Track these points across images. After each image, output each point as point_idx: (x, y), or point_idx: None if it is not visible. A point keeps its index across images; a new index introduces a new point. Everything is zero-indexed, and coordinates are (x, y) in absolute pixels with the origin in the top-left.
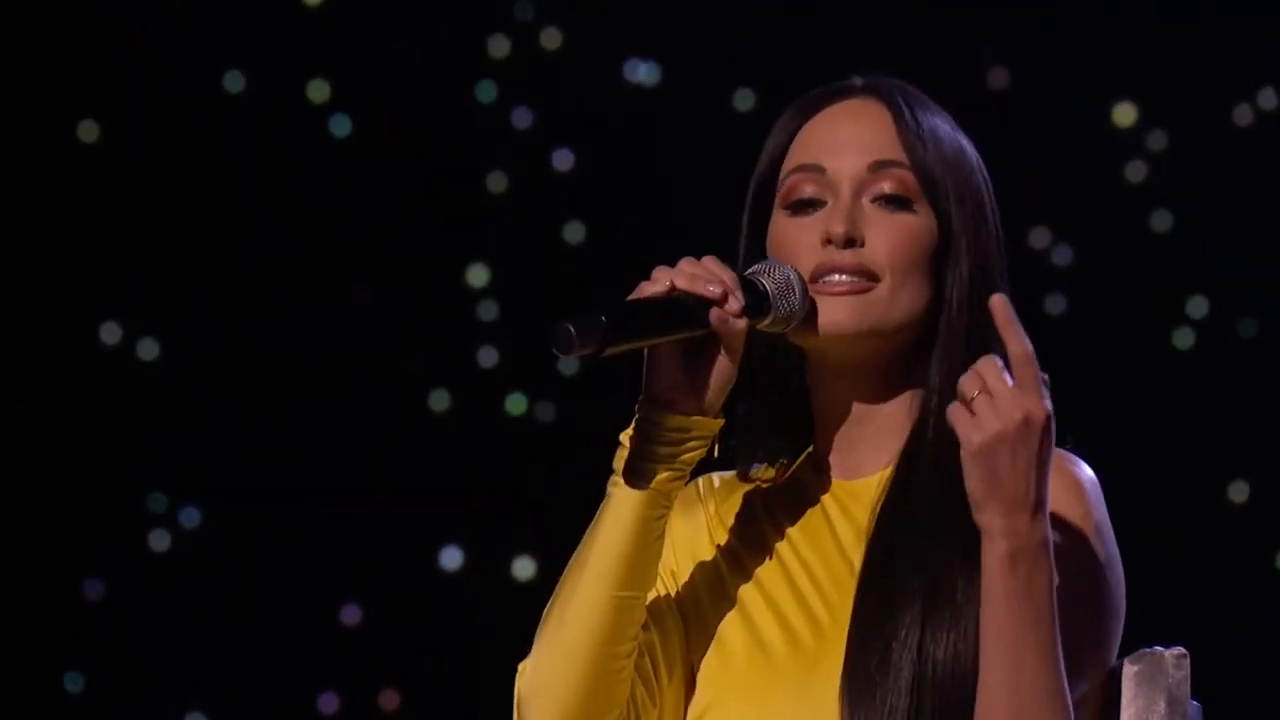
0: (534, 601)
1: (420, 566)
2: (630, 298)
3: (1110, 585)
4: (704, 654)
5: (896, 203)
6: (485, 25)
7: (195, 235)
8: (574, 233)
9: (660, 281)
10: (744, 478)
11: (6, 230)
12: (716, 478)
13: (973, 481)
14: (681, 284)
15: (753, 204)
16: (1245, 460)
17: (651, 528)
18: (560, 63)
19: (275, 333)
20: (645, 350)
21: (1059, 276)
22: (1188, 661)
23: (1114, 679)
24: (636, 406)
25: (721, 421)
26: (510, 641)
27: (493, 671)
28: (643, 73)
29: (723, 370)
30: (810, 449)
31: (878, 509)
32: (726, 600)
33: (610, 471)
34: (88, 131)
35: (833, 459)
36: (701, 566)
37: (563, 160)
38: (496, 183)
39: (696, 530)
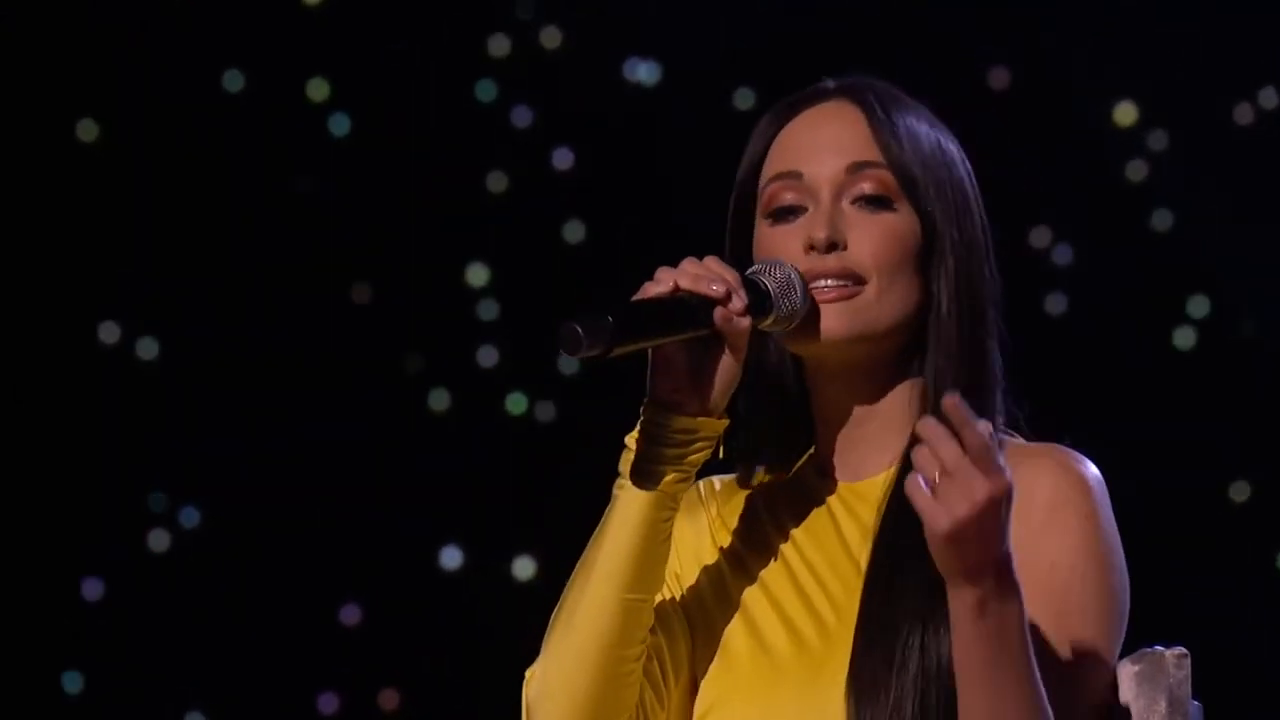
0: (534, 601)
1: (420, 566)
2: (634, 298)
3: (1115, 586)
4: (709, 656)
5: (877, 203)
6: (485, 24)
7: (195, 235)
8: (574, 232)
9: (664, 282)
10: (745, 480)
11: (6, 230)
12: (718, 480)
13: (939, 558)
14: (685, 284)
15: (734, 213)
16: (1246, 460)
17: (659, 529)
18: (560, 62)
19: (275, 332)
20: (649, 351)
21: (1059, 276)
22: (1188, 661)
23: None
24: (641, 409)
25: (727, 422)
26: (510, 641)
27: (493, 671)
28: (643, 72)
29: (727, 370)
30: (811, 451)
31: (883, 509)
32: (731, 602)
33: (616, 474)
34: (87, 131)
35: (835, 460)
36: (705, 569)
37: (563, 159)
38: (496, 182)
39: (699, 533)
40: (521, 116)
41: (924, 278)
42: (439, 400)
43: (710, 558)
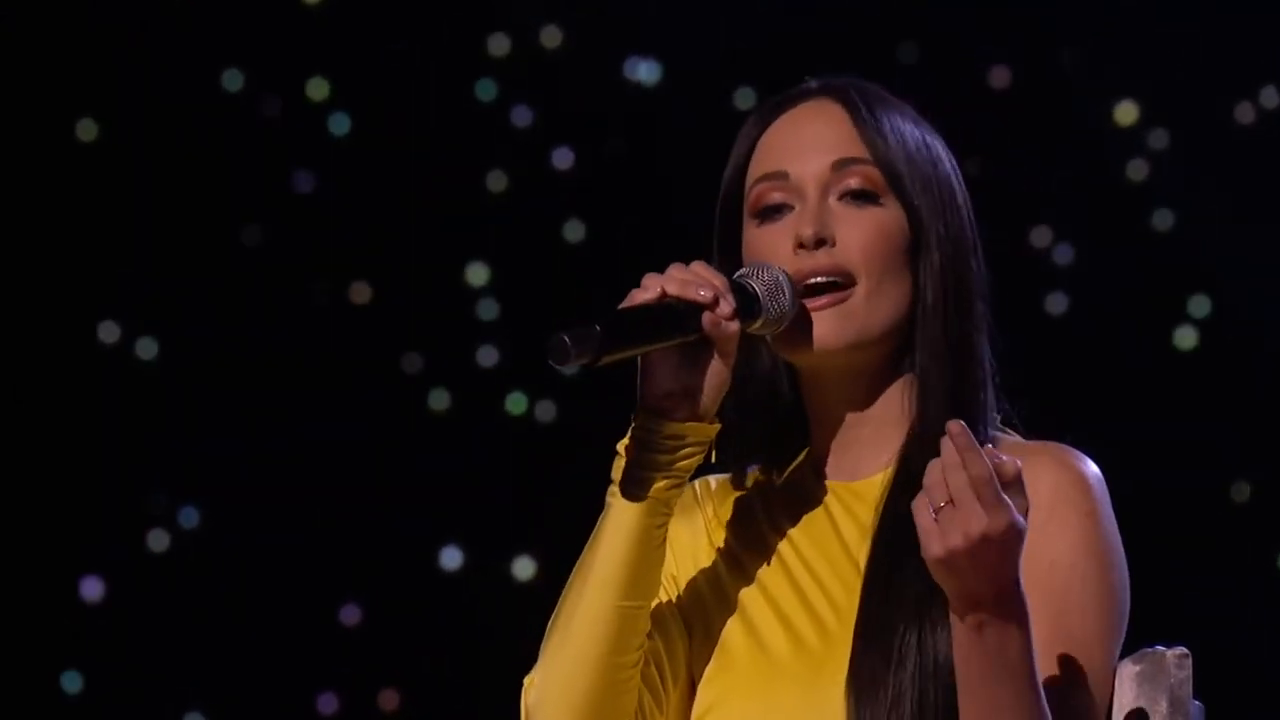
0: (534, 602)
1: (420, 566)
2: (622, 306)
3: (1114, 584)
4: (707, 657)
5: (864, 197)
6: (485, 23)
7: (194, 234)
8: (574, 232)
9: (651, 288)
10: (739, 482)
11: (5, 230)
12: (714, 480)
13: (935, 577)
14: (672, 290)
15: (721, 216)
16: (1246, 460)
17: (652, 536)
18: (560, 61)
19: (275, 332)
20: (639, 358)
21: (1060, 276)
22: (1190, 661)
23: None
24: (632, 416)
25: (718, 427)
26: (510, 642)
27: (493, 671)
28: (643, 71)
29: (717, 375)
30: (806, 451)
31: (881, 509)
32: (729, 603)
33: (609, 482)
34: (86, 130)
35: (831, 461)
36: (703, 571)
37: (563, 159)
38: (496, 181)
39: (696, 534)
40: (521, 116)
41: (912, 274)
42: (439, 400)
43: (707, 559)
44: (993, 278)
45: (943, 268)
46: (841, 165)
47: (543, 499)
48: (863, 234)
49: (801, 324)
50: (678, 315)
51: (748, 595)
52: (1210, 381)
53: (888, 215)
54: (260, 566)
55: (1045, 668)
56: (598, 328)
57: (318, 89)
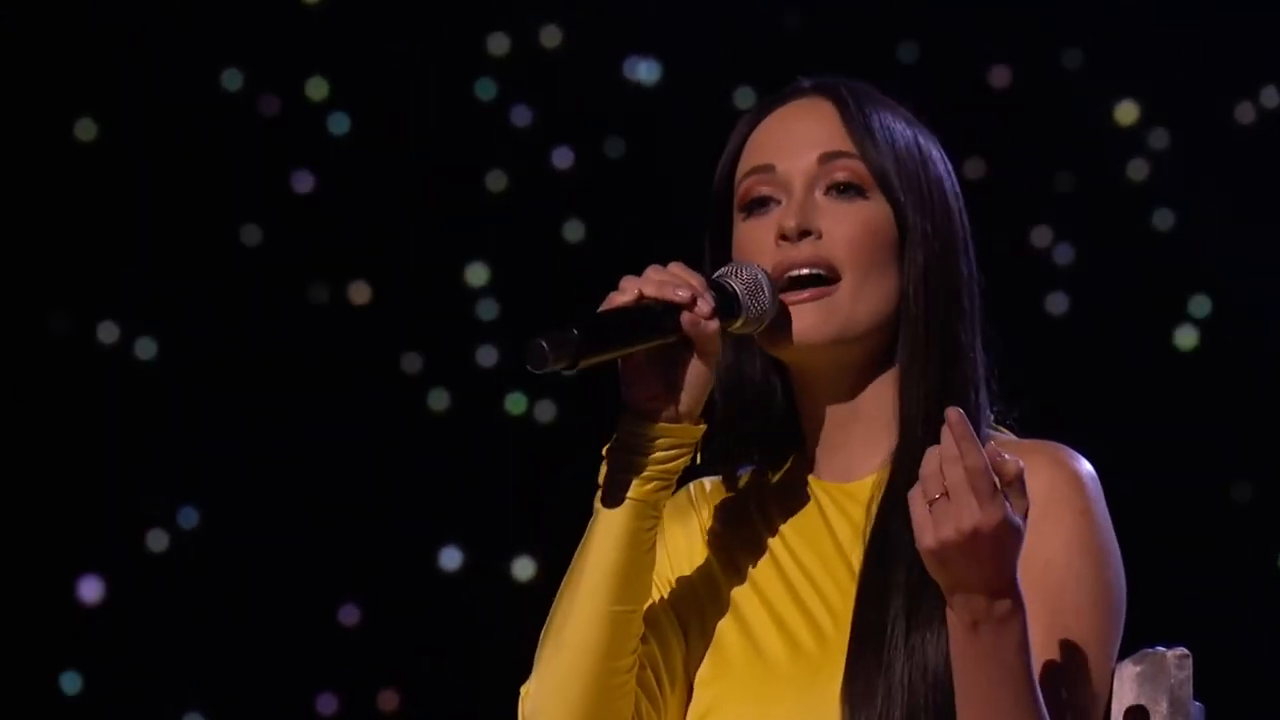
0: (534, 602)
1: (420, 566)
2: (600, 309)
3: (1110, 582)
4: (703, 660)
5: (849, 191)
6: (485, 23)
7: (193, 234)
8: (574, 231)
9: (628, 291)
10: (732, 483)
11: (4, 229)
12: (708, 482)
13: (928, 569)
14: (650, 291)
15: (712, 214)
16: (1247, 460)
17: (641, 539)
18: (560, 61)
19: (274, 332)
20: (620, 362)
21: (1060, 275)
22: (1190, 662)
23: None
24: (617, 420)
25: (704, 428)
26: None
27: (492, 672)
28: (643, 71)
29: (699, 375)
30: (799, 451)
31: (875, 510)
32: (724, 605)
33: (597, 486)
34: (85, 130)
35: (824, 462)
36: (698, 573)
37: (562, 159)
38: (496, 181)
39: (690, 536)
40: (521, 116)
41: (897, 271)
42: (439, 400)
43: (702, 561)
44: (993, 278)
45: (928, 266)
46: (828, 159)
47: (542, 499)
48: (848, 227)
49: (785, 319)
50: (656, 316)
51: (743, 597)
52: (1210, 381)
53: (873, 210)
54: (260, 567)
55: (1042, 667)
56: (575, 331)
57: (317, 89)
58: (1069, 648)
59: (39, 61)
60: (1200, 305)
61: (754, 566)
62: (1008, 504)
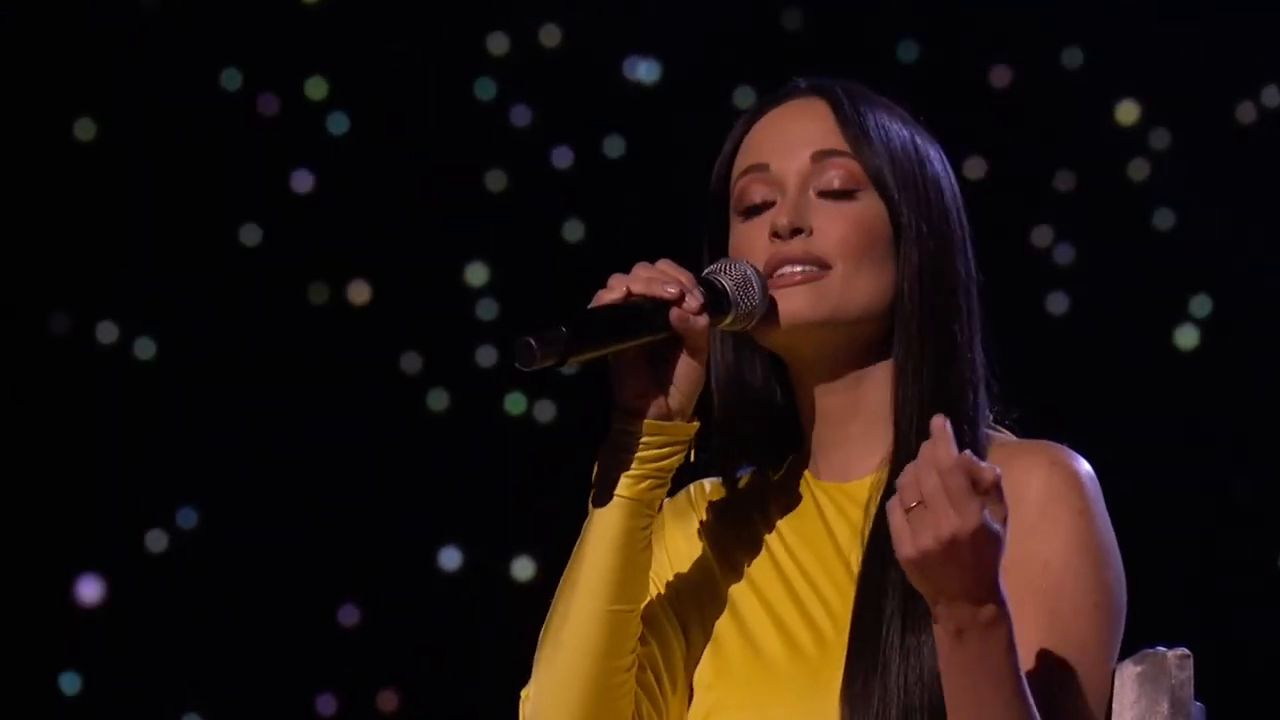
0: (533, 602)
1: (419, 566)
2: (589, 306)
3: (1109, 583)
4: (703, 660)
5: (842, 194)
6: (485, 23)
7: (193, 234)
8: (573, 231)
9: (616, 288)
10: (731, 484)
11: (4, 229)
12: (708, 483)
13: (909, 577)
14: (638, 288)
15: (709, 214)
16: (1247, 460)
17: (637, 538)
18: (560, 61)
19: (274, 332)
20: (610, 359)
21: (1061, 275)
22: (1191, 662)
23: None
24: (610, 419)
25: (697, 425)
26: (510, 642)
27: (492, 672)
28: (643, 71)
29: (689, 372)
30: (798, 451)
31: (872, 511)
32: (724, 606)
33: (591, 487)
34: (85, 129)
35: (823, 462)
36: (698, 573)
37: (562, 158)
38: (495, 181)
39: (690, 537)
40: (521, 116)
41: (892, 269)
42: (438, 400)
43: (702, 562)
44: (993, 277)
45: (923, 264)
46: (821, 157)
47: (542, 499)
48: (840, 226)
49: (775, 310)
50: (645, 313)
51: (743, 598)
52: (1210, 381)
53: (866, 209)
54: (259, 567)
55: (1040, 669)
56: (563, 329)
57: (317, 88)
58: (1068, 648)
59: (39, 61)
60: (1200, 305)
61: (753, 567)
62: (985, 511)
